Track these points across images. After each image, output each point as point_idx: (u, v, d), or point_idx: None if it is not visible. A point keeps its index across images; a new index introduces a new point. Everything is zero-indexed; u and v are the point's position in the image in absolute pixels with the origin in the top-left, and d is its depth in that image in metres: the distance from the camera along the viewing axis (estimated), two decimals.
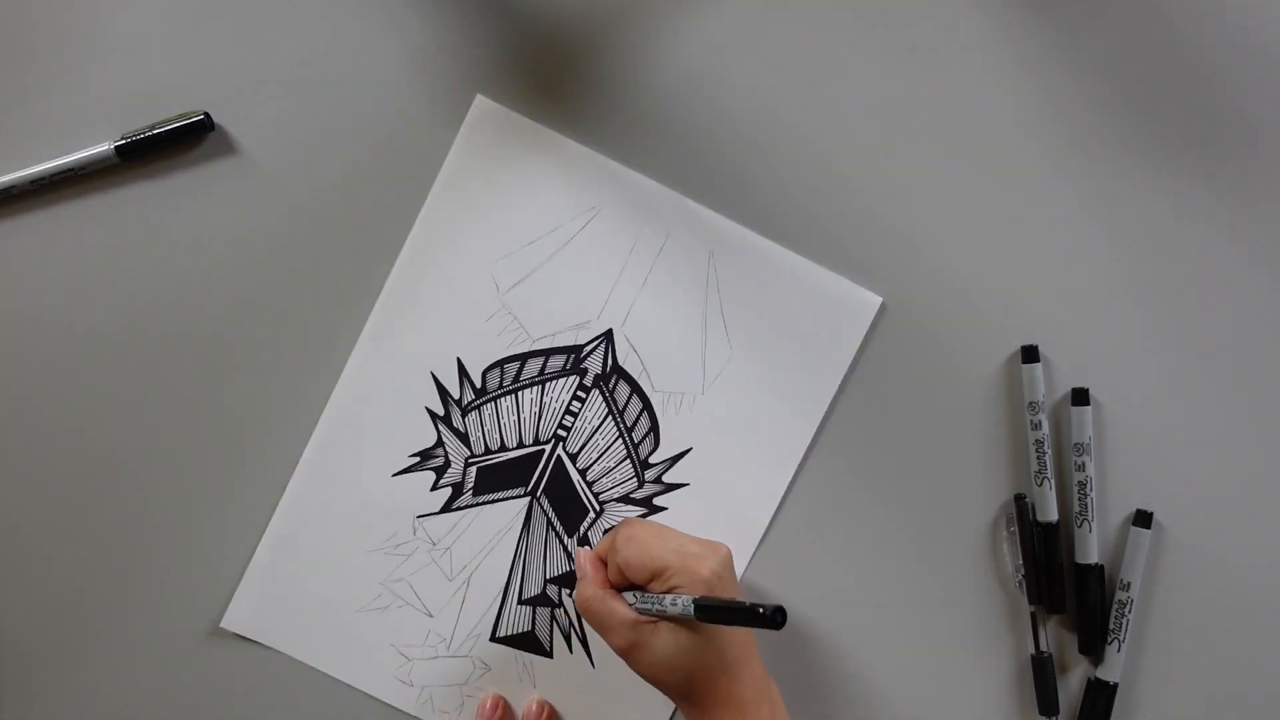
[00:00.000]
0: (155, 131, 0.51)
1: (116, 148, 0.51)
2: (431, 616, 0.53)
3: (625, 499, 0.53)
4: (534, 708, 0.53)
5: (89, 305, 0.53)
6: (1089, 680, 0.53)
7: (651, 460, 0.53)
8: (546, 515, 0.53)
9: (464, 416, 0.53)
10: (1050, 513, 0.52)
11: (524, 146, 0.52)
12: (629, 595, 0.47)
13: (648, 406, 0.53)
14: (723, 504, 0.53)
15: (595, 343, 0.53)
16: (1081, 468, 0.52)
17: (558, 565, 0.53)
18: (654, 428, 0.53)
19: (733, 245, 0.52)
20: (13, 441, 0.53)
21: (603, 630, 0.47)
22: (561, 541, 0.53)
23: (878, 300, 0.52)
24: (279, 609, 0.53)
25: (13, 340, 0.53)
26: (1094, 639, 0.52)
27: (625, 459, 0.53)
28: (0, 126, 0.52)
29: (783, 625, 0.40)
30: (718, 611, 0.42)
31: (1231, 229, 0.52)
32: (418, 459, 0.53)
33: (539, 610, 0.53)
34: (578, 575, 0.50)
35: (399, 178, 0.52)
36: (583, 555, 0.50)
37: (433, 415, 0.53)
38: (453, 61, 0.52)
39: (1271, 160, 0.52)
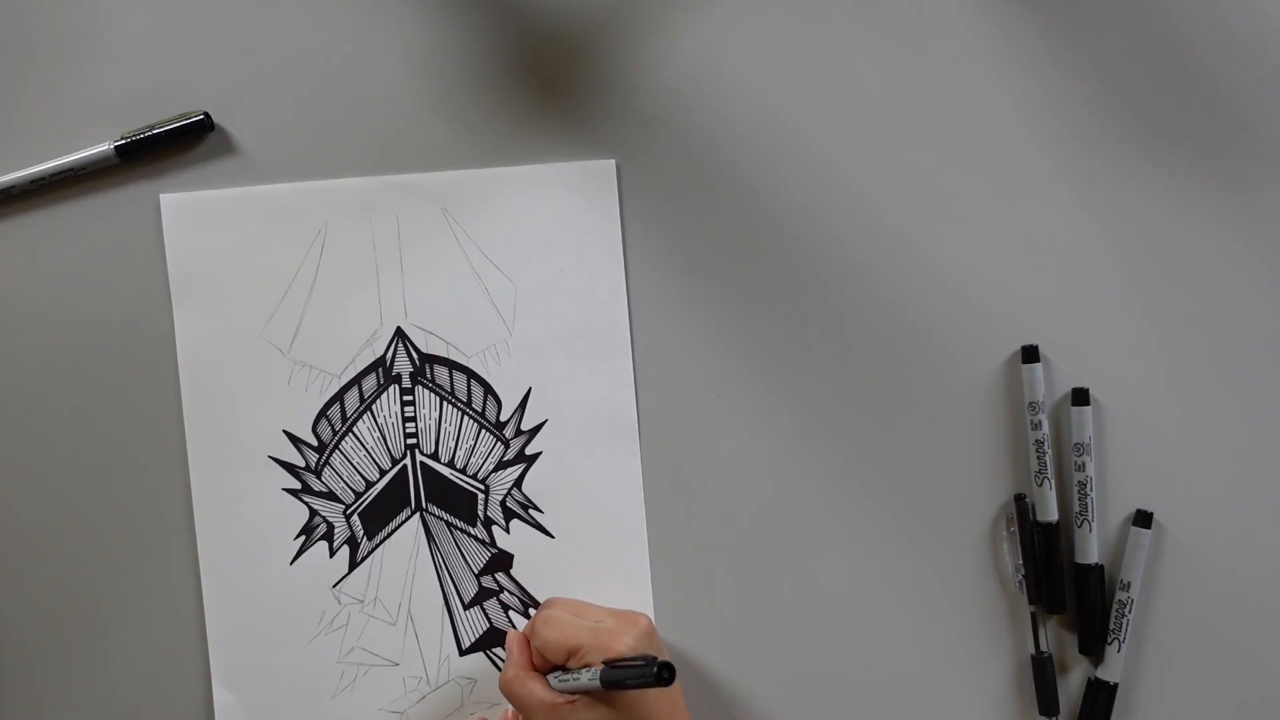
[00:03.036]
0: (155, 131, 0.51)
1: (116, 148, 0.51)
2: (398, 665, 0.53)
3: (500, 465, 0.53)
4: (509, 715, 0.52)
5: (89, 305, 0.53)
6: (1089, 680, 0.53)
7: (503, 418, 0.53)
8: (442, 519, 0.53)
9: (319, 477, 0.53)
10: (1050, 513, 0.52)
11: (224, 216, 0.52)
12: (552, 677, 0.47)
13: (471, 375, 0.53)
14: (586, 420, 0.53)
15: (392, 346, 0.53)
16: (1081, 468, 0.52)
17: (479, 557, 0.53)
18: (487, 390, 0.53)
19: (457, 190, 0.52)
20: (10, 442, 0.53)
21: (524, 712, 0.47)
22: (470, 535, 0.53)
23: (611, 162, 0.52)
24: None
25: (12, 340, 0.53)
26: (1094, 639, 0.52)
27: (480, 431, 0.53)
28: (0, 126, 0.52)
29: (670, 681, 0.40)
30: (616, 679, 0.42)
31: (1232, 229, 0.52)
32: (303, 538, 0.53)
33: (486, 604, 0.53)
34: (505, 658, 0.50)
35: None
36: (511, 637, 0.50)
37: (292, 492, 0.53)
38: (453, 61, 0.52)
39: (1271, 160, 0.52)
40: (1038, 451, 0.52)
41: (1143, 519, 0.52)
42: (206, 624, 0.52)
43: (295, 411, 0.53)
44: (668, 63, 0.52)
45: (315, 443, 0.53)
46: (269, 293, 0.52)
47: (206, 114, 0.52)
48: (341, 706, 0.53)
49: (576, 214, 0.53)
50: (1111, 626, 0.52)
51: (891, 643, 0.53)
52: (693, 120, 0.53)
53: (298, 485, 0.53)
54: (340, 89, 0.52)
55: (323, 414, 0.53)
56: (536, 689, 0.46)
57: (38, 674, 0.53)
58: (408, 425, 0.53)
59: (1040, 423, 0.51)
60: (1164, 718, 0.53)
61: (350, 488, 0.53)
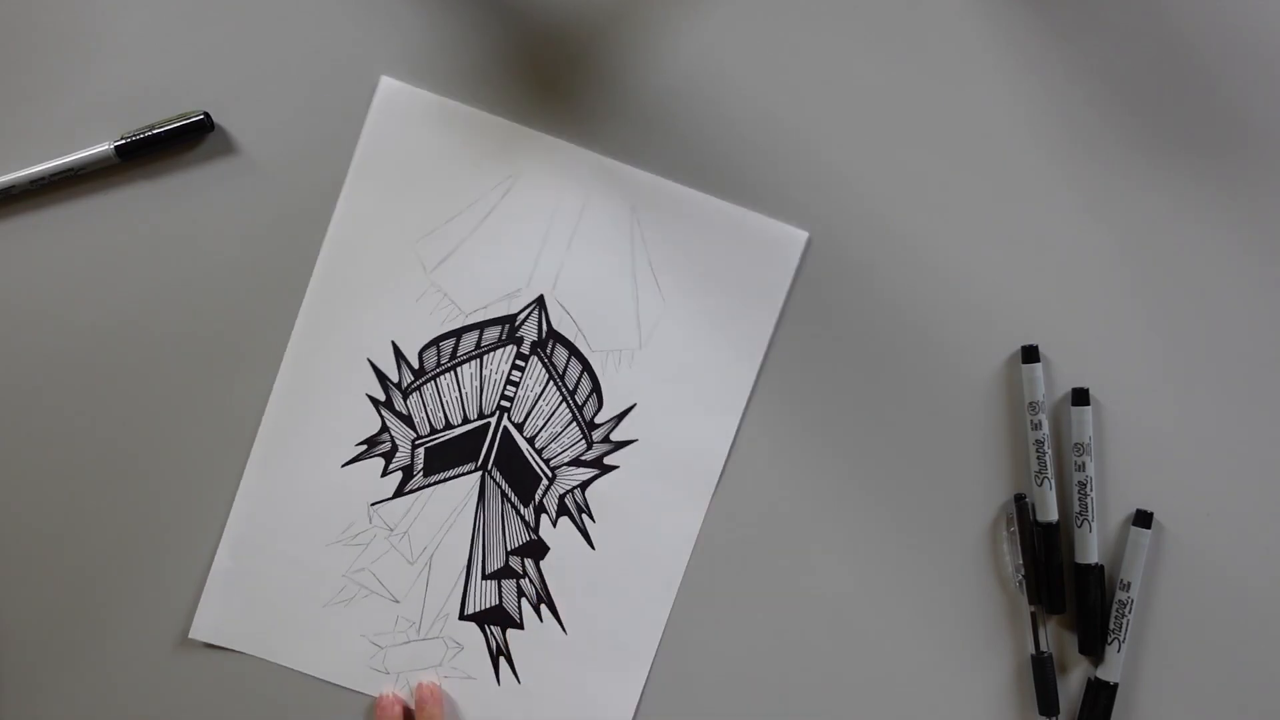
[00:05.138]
0: (155, 131, 0.51)
1: (116, 148, 0.51)
2: (398, 602, 0.53)
3: (576, 461, 0.53)
4: (424, 690, 0.53)
5: (89, 305, 0.53)
6: (1089, 680, 0.53)
7: (597, 420, 0.53)
8: (500, 488, 0.53)
9: (405, 399, 0.53)
10: (1050, 513, 0.52)
11: (434, 123, 0.52)
12: None
13: (587, 368, 0.53)
14: (672, 456, 0.53)
15: (528, 310, 0.53)
16: (1081, 468, 0.52)
17: (517, 537, 0.53)
18: (595, 388, 0.53)
19: (654, 198, 0.52)
20: (10, 440, 0.53)
21: None
22: (518, 513, 0.53)
23: (803, 235, 0.52)
24: (245, 613, 0.53)
25: (12, 340, 0.53)
26: (1094, 639, 0.52)
27: (571, 422, 0.53)
28: (0, 126, 0.52)
29: None
30: None
31: (1232, 229, 0.52)
32: (364, 447, 0.53)
33: (504, 583, 0.53)
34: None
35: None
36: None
37: (374, 401, 0.53)
38: (453, 61, 0.52)
39: (1271, 160, 0.52)
40: (1038, 451, 0.52)
41: (1143, 519, 0.52)
42: (239, 487, 0.52)
43: (411, 329, 0.52)
44: (661, 65, 0.52)
45: (416, 365, 0.53)
46: (439, 209, 0.52)
47: (206, 114, 0.52)
48: (329, 617, 0.53)
49: (752, 268, 0.52)
50: (1111, 626, 0.52)
51: (891, 643, 0.53)
52: (689, 121, 0.53)
53: (382, 397, 0.53)
54: (340, 89, 0.52)
55: (435, 342, 0.53)
56: None
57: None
58: (509, 388, 0.53)
59: (1040, 423, 0.51)
60: (1164, 718, 0.53)
61: (430, 420, 0.53)
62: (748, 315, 0.53)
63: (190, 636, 0.53)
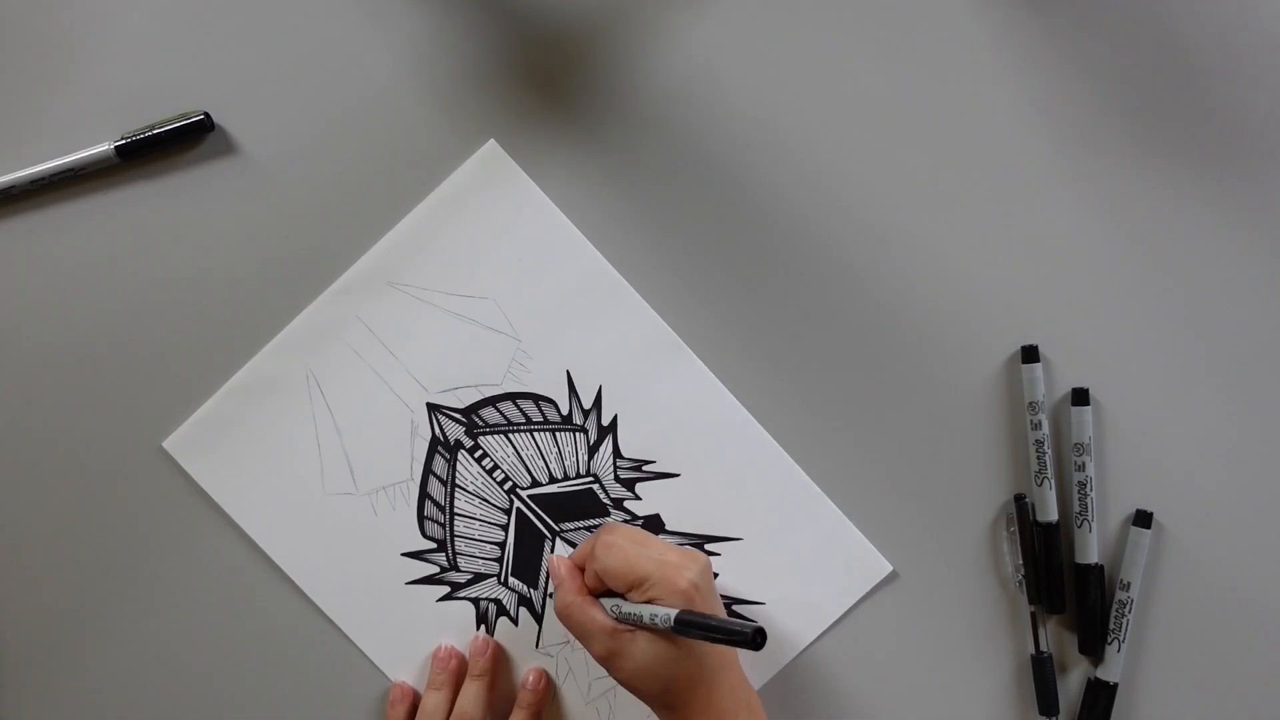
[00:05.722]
0: (155, 131, 0.51)
1: (116, 148, 0.51)
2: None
3: (592, 449, 0.53)
4: (531, 678, 0.53)
5: (89, 305, 0.53)
6: (1089, 680, 0.53)
7: (564, 412, 0.53)
8: (580, 529, 0.53)
9: (458, 569, 0.53)
10: (1050, 513, 0.52)
11: (223, 428, 0.52)
12: (607, 601, 0.47)
13: (511, 397, 0.53)
14: (630, 355, 0.53)
15: (433, 422, 0.53)
16: (1081, 468, 0.52)
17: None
18: (536, 398, 0.53)
19: (396, 254, 0.52)
20: (11, 440, 0.53)
21: (582, 638, 0.47)
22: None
23: (491, 142, 0.52)
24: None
25: (12, 340, 0.53)
26: (1094, 639, 0.52)
27: (554, 434, 0.53)
28: (0, 126, 0.52)
29: (762, 646, 0.39)
30: (698, 629, 0.42)
31: (1232, 229, 0.52)
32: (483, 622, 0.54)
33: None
34: (554, 583, 0.50)
35: (397, 179, 0.52)
36: (558, 562, 0.50)
37: (449, 598, 0.53)
38: (453, 61, 0.52)
39: (1271, 160, 0.52)
40: (1038, 451, 0.52)
41: (1142, 519, 0.52)
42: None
43: (399, 532, 0.53)
44: (661, 66, 0.52)
45: (434, 545, 0.53)
46: (306, 459, 0.53)
47: (206, 114, 0.52)
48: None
49: (499, 206, 0.52)
50: (1111, 626, 0.52)
51: (892, 642, 0.53)
52: (689, 122, 0.53)
53: (448, 589, 0.53)
54: (340, 89, 0.52)
55: (422, 518, 0.53)
56: (598, 615, 0.47)
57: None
58: (495, 475, 0.53)
59: (1040, 423, 0.51)
60: (1164, 718, 0.53)
61: (489, 559, 0.53)
62: (542, 230, 0.52)
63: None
